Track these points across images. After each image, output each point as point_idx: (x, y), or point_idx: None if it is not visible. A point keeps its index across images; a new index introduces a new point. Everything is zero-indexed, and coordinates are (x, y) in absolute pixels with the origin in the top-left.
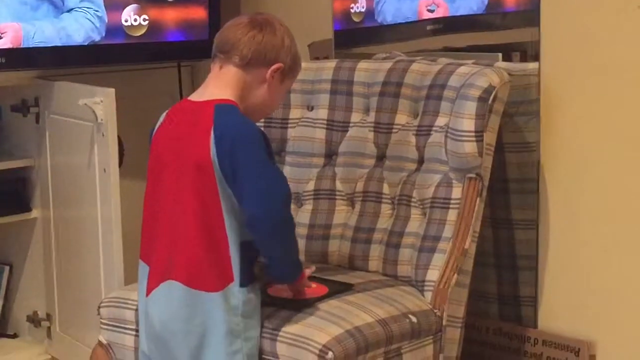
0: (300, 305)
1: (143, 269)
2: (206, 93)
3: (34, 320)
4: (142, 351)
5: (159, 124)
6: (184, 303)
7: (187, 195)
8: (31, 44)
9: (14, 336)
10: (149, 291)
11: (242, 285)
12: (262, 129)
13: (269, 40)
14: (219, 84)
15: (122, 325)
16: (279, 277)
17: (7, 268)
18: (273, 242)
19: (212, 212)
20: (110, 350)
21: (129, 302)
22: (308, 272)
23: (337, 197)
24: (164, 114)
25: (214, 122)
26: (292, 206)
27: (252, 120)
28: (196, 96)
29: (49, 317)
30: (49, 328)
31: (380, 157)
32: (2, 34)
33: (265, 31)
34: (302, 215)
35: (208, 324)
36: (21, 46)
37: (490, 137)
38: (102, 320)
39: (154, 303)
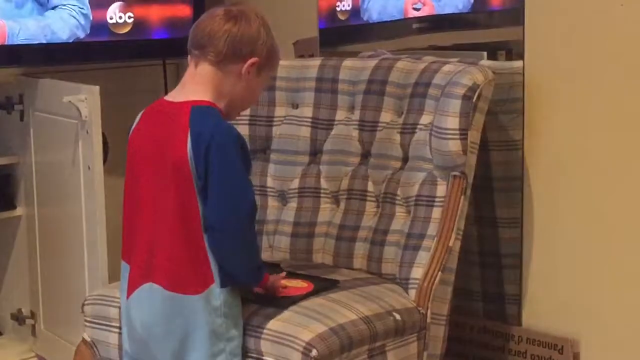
0: (284, 303)
1: (125, 269)
2: (183, 93)
3: (18, 318)
4: (125, 350)
5: (135, 123)
6: (165, 306)
7: (166, 197)
8: (16, 41)
9: None
10: (129, 293)
11: (222, 285)
12: (247, 126)
13: (244, 32)
14: (195, 84)
15: (106, 323)
16: (236, 281)
17: None
18: (228, 253)
19: (190, 214)
20: (94, 348)
21: (113, 299)
22: (278, 278)
23: (321, 195)
24: (140, 113)
25: (190, 123)
26: (277, 204)
27: (232, 115)
28: (173, 96)
29: (33, 314)
30: (33, 326)
31: (365, 155)
32: None
33: (240, 23)
34: (286, 213)
35: (190, 326)
36: (6, 43)
37: (474, 135)
38: (86, 318)
39: (135, 305)
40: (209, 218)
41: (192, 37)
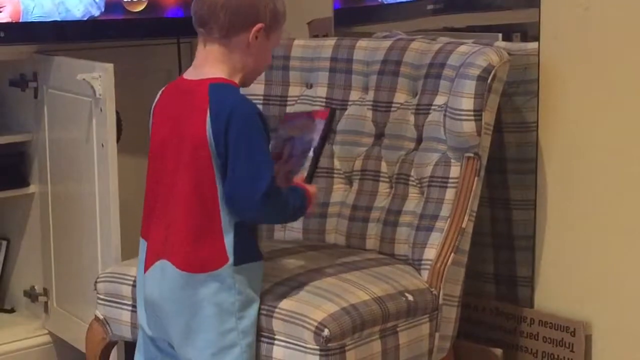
0: None
1: (143, 246)
2: (198, 72)
3: (31, 295)
4: (140, 325)
5: (156, 101)
6: (176, 285)
7: (184, 174)
8: (30, 18)
9: (11, 311)
10: (146, 268)
11: (236, 264)
12: (261, 106)
13: (242, 0)
14: (208, 62)
15: (119, 301)
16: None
17: (4, 243)
18: (261, 220)
19: (207, 192)
20: (107, 326)
21: (126, 277)
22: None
23: (335, 175)
24: (161, 91)
25: (210, 100)
26: None
27: (249, 82)
28: (191, 74)
29: (46, 292)
30: (46, 303)
31: (379, 136)
32: (1, 8)
33: None
34: None
35: (200, 303)
36: (20, 20)
37: (489, 117)
38: (99, 296)
39: (149, 281)
40: (226, 193)
41: (194, 14)
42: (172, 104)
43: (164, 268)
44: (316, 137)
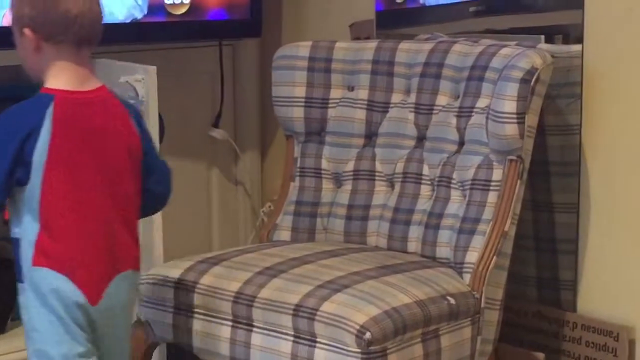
0: None
1: (63, 283)
2: (87, 82)
3: None
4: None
5: (51, 116)
6: (133, 287)
7: (128, 180)
8: None
9: None
10: (94, 299)
11: None
12: (302, 108)
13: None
14: (90, 72)
15: (162, 303)
16: None
17: None
18: None
19: (139, 195)
20: (149, 327)
21: (168, 279)
22: None
23: (376, 177)
24: (52, 105)
25: (125, 104)
26: (331, 186)
27: None
28: (81, 86)
29: None
30: None
31: (421, 139)
32: None
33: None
34: (341, 196)
35: (134, 298)
36: None
37: (531, 119)
38: (141, 298)
39: (107, 303)
40: (158, 192)
41: (89, 27)
42: (86, 115)
43: (127, 277)
44: None
